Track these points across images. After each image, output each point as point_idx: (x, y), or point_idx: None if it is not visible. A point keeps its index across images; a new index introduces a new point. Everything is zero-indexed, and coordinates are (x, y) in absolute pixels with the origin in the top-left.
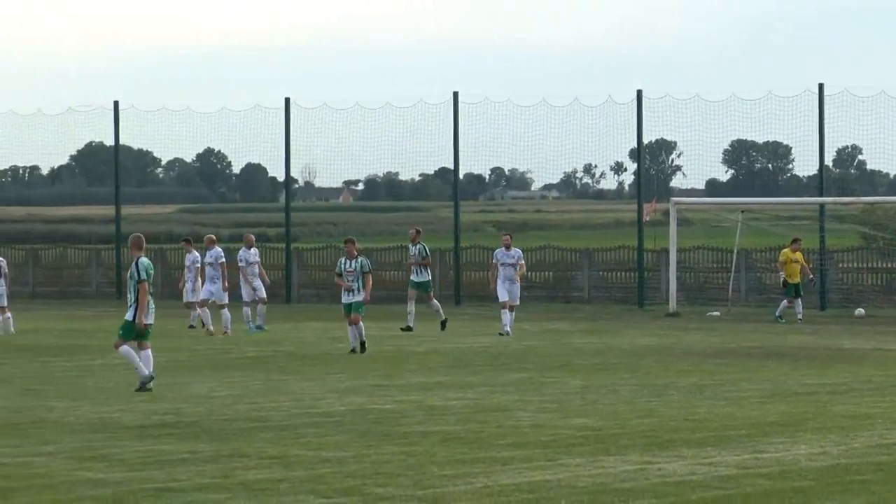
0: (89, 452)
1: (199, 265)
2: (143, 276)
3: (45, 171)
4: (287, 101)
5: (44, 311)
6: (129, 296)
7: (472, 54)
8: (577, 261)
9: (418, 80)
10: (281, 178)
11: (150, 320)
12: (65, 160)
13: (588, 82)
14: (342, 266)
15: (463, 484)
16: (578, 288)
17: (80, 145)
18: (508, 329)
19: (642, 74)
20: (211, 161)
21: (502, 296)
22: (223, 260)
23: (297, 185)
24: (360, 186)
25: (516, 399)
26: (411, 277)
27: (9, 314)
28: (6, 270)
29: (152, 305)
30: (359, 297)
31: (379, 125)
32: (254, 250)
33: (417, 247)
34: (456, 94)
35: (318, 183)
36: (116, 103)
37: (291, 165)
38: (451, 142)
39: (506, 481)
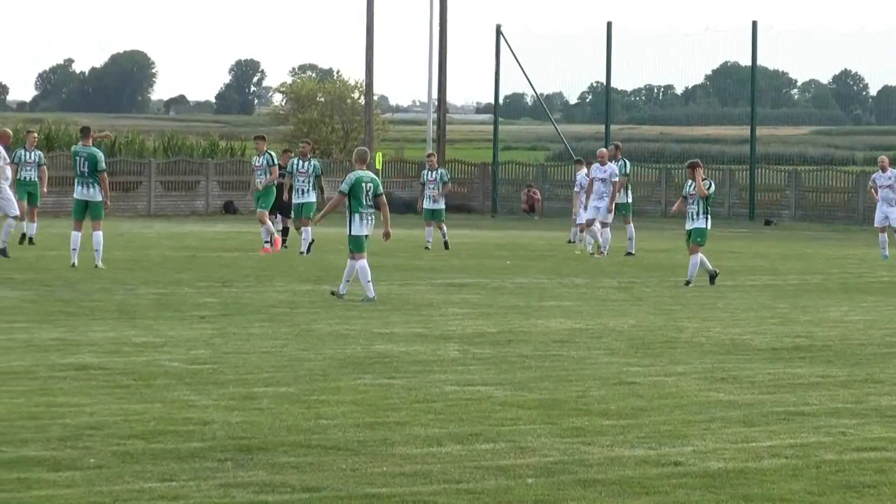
0: (720, 373)
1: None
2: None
3: (678, 91)
4: None
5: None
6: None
7: None
8: None
9: None
10: None
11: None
12: (699, 80)
13: None
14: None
15: None
16: None
17: (716, 65)
18: None
19: None
20: (847, 82)
21: None
22: (616, 178)
23: None
24: None
25: None
26: None
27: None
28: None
29: (370, 218)
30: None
31: None
32: None
33: None
34: None
35: None
36: (755, 23)
37: None
38: None
39: None
